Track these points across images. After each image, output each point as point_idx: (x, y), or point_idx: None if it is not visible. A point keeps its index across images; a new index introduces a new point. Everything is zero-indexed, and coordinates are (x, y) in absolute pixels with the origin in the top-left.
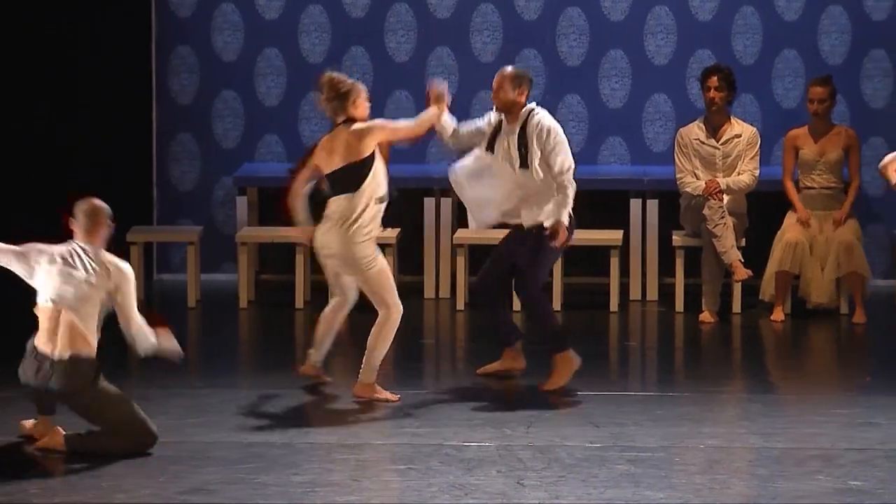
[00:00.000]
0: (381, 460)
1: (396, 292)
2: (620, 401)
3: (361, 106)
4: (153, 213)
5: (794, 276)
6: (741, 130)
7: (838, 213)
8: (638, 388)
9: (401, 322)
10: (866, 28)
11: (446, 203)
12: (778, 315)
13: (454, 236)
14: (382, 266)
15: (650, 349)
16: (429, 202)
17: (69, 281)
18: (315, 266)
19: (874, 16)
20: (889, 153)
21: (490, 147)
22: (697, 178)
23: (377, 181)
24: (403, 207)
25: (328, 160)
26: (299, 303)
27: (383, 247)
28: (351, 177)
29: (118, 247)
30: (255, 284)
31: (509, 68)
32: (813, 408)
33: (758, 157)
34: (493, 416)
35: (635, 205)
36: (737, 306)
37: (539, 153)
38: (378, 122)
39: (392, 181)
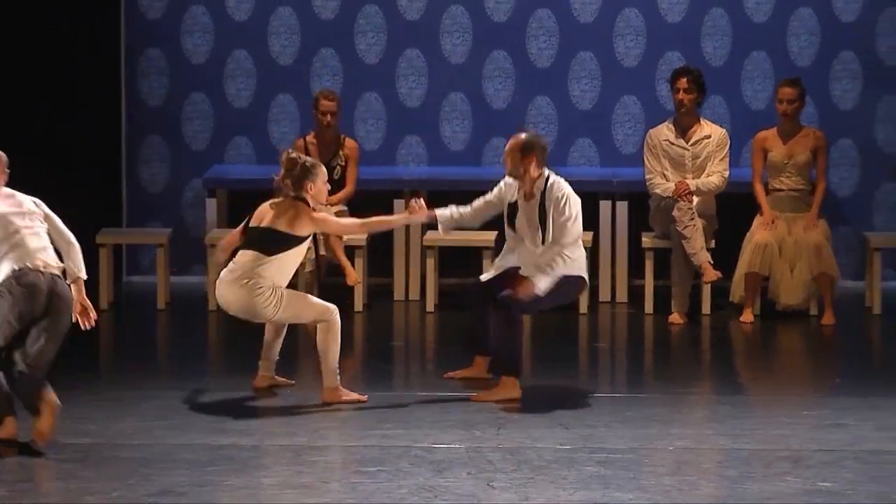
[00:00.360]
0: (351, 462)
1: (318, 299)
2: (590, 402)
3: (321, 191)
4: (122, 215)
5: (763, 277)
6: (710, 132)
7: (807, 219)
8: (607, 389)
9: (368, 325)
10: (835, 30)
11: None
12: (747, 316)
13: (424, 238)
14: (287, 296)
15: (620, 351)
16: (399, 204)
17: None
18: None
19: (843, 17)
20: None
21: (511, 224)
22: (667, 180)
23: (290, 261)
24: (374, 209)
25: (263, 216)
26: None
27: (353, 249)
28: (272, 241)
29: (87, 249)
30: None
31: (521, 136)
32: (782, 409)
33: (727, 159)
34: (463, 417)
35: (605, 206)
36: (706, 308)
37: (554, 221)
38: (329, 220)
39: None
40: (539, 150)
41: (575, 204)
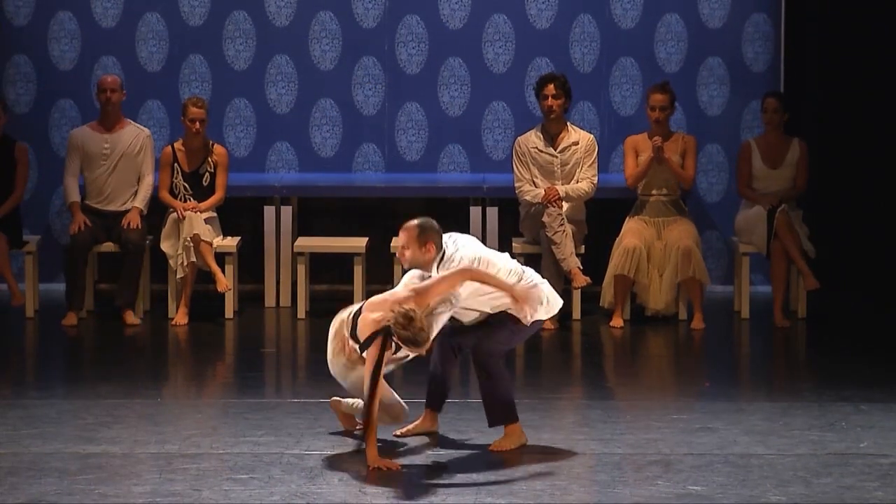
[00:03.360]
0: (222, 469)
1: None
2: (461, 408)
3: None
4: None
5: (632, 281)
6: (578, 138)
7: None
8: (478, 395)
9: (239, 331)
10: (702, 36)
11: (286, 211)
12: (617, 321)
13: (294, 244)
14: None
15: None
16: (269, 210)
17: None
18: (154, 275)
19: (710, 24)
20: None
21: None
22: (536, 186)
23: None
24: (244, 216)
25: None
26: (139, 312)
27: (223, 255)
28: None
29: None
30: (94, 294)
31: (413, 223)
32: (652, 414)
33: (596, 165)
34: (335, 424)
35: (475, 212)
36: (576, 313)
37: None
38: None
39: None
40: (434, 232)
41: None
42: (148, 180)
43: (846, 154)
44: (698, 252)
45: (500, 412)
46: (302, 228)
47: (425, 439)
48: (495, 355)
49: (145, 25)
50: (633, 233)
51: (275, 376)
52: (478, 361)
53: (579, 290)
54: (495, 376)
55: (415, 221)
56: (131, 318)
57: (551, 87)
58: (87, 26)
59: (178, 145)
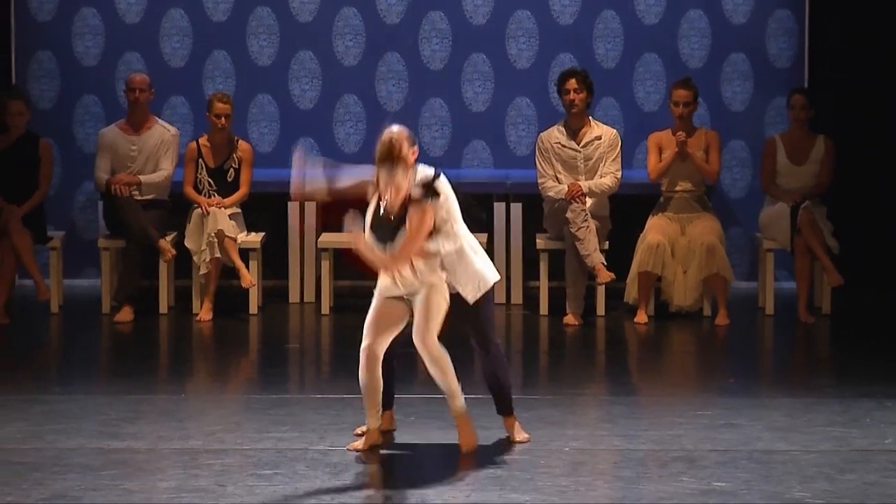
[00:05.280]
0: (246, 465)
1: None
2: (484, 404)
3: None
4: None
5: (656, 277)
6: (601, 133)
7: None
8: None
9: (263, 327)
10: (726, 32)
11: (310, 207)
12: (641, 317)
13: (318, 240)
14: None
15: (515, 352)
16: (293, 206)
17: None
18: (178, 271)
19: (733, 19)
20: None
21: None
22: (560, 182)
23: None
24: (267, 212)
25: None
26: (163, 308)
27: (247, 251)
28: None
29: None
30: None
31: (398, 133)
32: (675, 410)
33: (619, 160)
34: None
35: (499, 208)
36: (601, 309)
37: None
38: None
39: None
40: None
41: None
42: (163, 172)
43: (870, 150)
44: (722, 248)
45: (509, 403)
46: (325, 224)
47: (453, 434)
48: (496, 339)
49: (169, 21)
50: (657, 229)
51: (298, 372)
52: (485, 352)
53: (603, 285)
54: (503, 367)
55: (397, 131)
56: (126, 314)
57: (573, 81)
58: (111, 22)
59: (202, 141)
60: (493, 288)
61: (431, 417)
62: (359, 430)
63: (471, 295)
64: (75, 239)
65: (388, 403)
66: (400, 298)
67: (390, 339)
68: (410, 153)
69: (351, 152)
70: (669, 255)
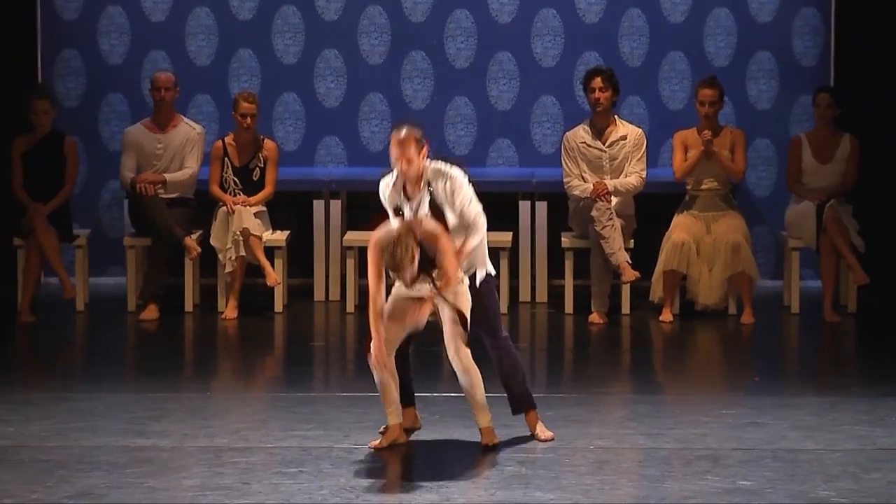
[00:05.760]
0: (271, 463)
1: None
2: (507, 402)
3: None
4: None
5: (681, 275)
6: (627, 132)
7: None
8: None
9: (288, 325)
10: (752, 30)
11: (335, 205)
12: (666, 316)
13: (343, 238)
14: None
15: (540, 351)
16: (318, 204)
17: None
18: (204, 269)
19: (759, 18)
20: None
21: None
22: (585, 181)
23: None
24: (293, 210)
25: None
26: (188, 306)
27: (273, 249)
28: None
29: (4, 251)
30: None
31: (408, 132)
32: (700, 408)
33: (644, 159)
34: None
35: (524, 207)
36: (626, 307)
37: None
38: None
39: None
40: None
41: (464, 185)
42: (189, 170)
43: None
44: (747, 247)
45: (528, 398)
46: (351, 222)
47: (477, 433)
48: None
49: (195, 19)
50: (682, 227)
51: (323, 370)
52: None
53: (628, 284)
54: (516, 355)
55: (406, 130)
56: (152, 312)
57: (598, 79)
58: (137, 20)
59: (228, 140)
60: (496, 281)
61: (455, 416)
62: (383, 429)
63: (479, 276)
64: (101, 237)
65: (408, 400)
66: (412, 298)
67: (402, 335)
68: (418, 156)
69: (376, 150)
70: (695, 253)
